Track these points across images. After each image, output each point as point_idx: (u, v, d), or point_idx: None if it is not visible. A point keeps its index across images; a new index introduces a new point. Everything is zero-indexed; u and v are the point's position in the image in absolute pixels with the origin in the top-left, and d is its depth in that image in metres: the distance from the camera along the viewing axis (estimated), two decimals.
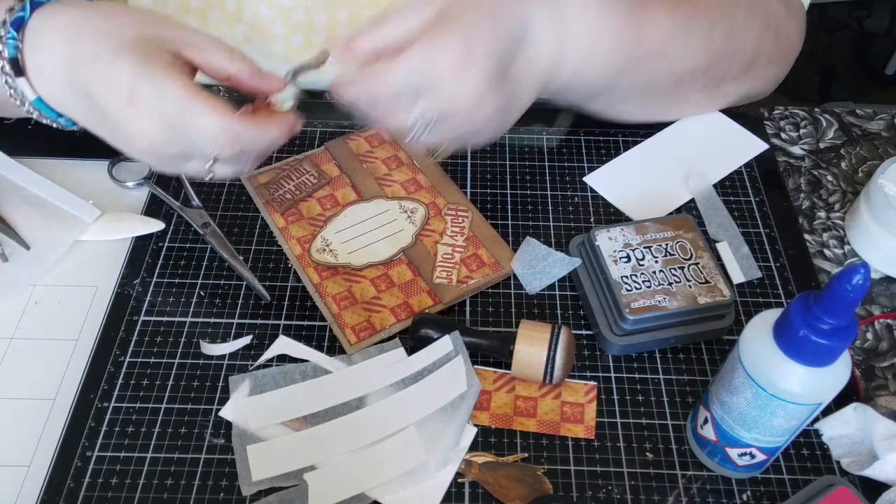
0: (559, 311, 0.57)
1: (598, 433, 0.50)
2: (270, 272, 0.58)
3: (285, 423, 0.50)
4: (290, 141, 0.67)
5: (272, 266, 0.59)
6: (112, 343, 0.54)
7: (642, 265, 0.54)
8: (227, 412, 0.50)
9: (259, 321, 0.55)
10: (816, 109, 0.73)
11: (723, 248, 0.60)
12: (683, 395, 0.52)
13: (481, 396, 0.52)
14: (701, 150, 0.68)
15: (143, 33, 0.47)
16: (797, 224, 0.63)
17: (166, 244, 0.60)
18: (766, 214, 0.63)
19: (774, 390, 0.41)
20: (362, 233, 0.60)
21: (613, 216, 0.63)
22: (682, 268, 0.54)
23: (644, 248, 0.55)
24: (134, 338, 0.54)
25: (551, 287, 0.58)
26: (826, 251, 0.62)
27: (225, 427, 0.50)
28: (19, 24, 0.49)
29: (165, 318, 0.55)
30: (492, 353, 0.53)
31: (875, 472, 0.48)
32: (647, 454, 0.50)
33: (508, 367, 0.51)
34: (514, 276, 0.58)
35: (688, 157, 0.67)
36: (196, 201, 0.62)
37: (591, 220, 0.63)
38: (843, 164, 0.68)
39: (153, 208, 0.62)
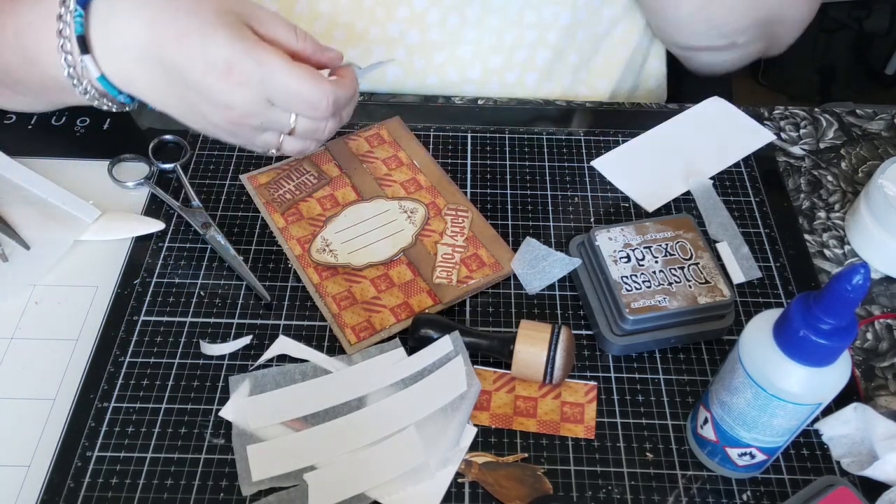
0: (559, 311, 0.57)
1: (598, 433, 0.50)
2: (270, 272, 0.58)
3: (285, 423, 0.50)
4: None
5: (272, 266, 0.59)
6: (112, 343, 0.54)
7: (642, 265, 0.54)
8: (227, 412, 0.50)
9: (259, 321, 0.55)
10: (816, 109, 0.73)
11: (723, 248, 0.60)
12: (683, 395, 0.52)
13: (481, 396, 0.52)
14: (708, 139, 0.68)
15: (223, 8, 0.49)
16: (797, 224, 0.63)
17: (166, 244, 0.60)
18: (766, 214, 0.63)
19: (774, 390, 0.41)
20: (362, 233, 0.60)
21: (614, 216, 0.63)
22: (682, 268, 0.54)
23: (644, 248, 0.55)
24: (134, 338, 0.54)
25: (551, 287, 0.58)
26: (826, 251, 0.62)
27: (225, 427, 0.50)
28: (85, 2, 0.51)
29: (165, 318, 0.55)
30: (492, 353, 0.53)
31: (875, 472, 0.48)
32: (647, 454, 0.50)
33: (508, 367, 0.51)
34: (514, 276, 0.58)
35: (694, 146, 0.68)
36: (196, 201, 0.62)
37: (592, 219, 0.63)
38: (843, 164, 0.68)
39: (153, 208, 0.62)
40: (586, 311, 0.56)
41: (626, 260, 0.54)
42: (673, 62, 0.81)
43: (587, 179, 0.65)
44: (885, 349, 0.56)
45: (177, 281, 0.58)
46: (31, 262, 0.58)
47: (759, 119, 0.71)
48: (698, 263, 0.55)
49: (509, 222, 0.62)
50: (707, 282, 0.53)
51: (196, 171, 0.65)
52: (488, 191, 0.64)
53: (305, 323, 0.55)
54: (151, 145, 0.66)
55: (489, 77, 0.72)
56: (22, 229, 0.59)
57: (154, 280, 0.57)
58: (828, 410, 0.51)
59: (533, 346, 0.50)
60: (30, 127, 0.68)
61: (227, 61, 0.48)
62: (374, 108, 0.71)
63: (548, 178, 0.65)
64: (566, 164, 0.67)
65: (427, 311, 0.55)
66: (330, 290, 0.56)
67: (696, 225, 0.57)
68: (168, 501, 0.47)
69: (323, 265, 0.58)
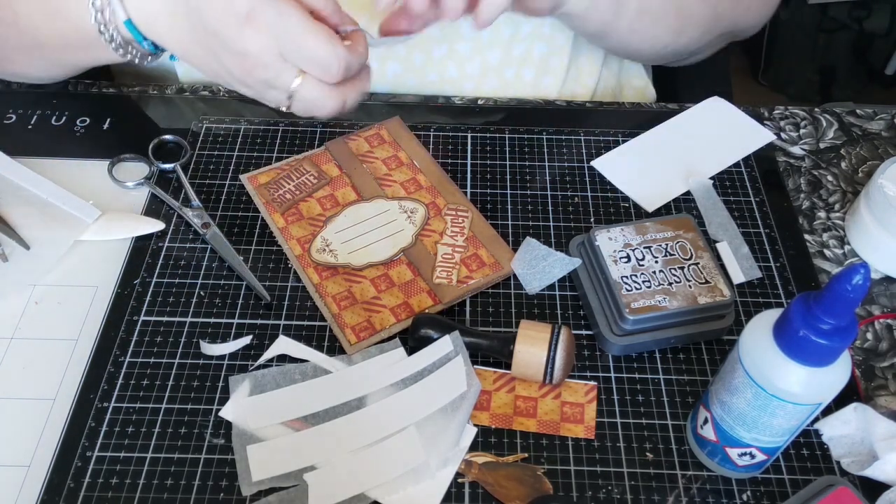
0: (559, 311, 0.57)
1: (598, 433, 0.50)
2: (270, 272, 0.58)
3: (285, 423, 0.50)
4: (290, 141, 0.67)
5: (272, 266, 0.59)
6: (112, 343, 0.54)
7: (642, 265, 0.54)
8: (227, 412, 0.50)
9: (259, 321, 0.55)
10: (816, 109, 0.73)
11: (723, 248, 0.60)
12: (683, 395, 0.52)
13: (481, 396, 0.52)
14: (708, 139, 0.69)
15: None
16: (797, 224, 0.63)
17: (166, 244, 0.60)
18: (766, 214, 0.63)
19: (774, 390, 0.41)
20: (362, 233, 0.60)
21: (614, 216, 0.63)
22: (682, 268, 0.54)
23: (644, 248, 0.55)
24: (134, 338, 0.54)
25: (551, 287, 0.58)
26: (826, 251, 0.62)
27: (225, 427, 0.50)
28: None
29: (165, 318, 0.55)
30: (492, 353, 0.53)
31: (875, 472, 0.48)
32: (647, 454, 0.50)
33: (508, 367, 0.51)
34: (514, 276, 0.58)
35: (694, 146, 0.68)
36: (196, 201, 0.62)
37: (592, 219, 0.63)
38: (843, 164, 0.68)
39: (153, 208, 0.62)
40: (586, 311, 0.56)
41: (626, 260, 0.54)
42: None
43: (587, 179, 0.65)
44: (885, 349, 0.56)
45: (177, 281, 0.58)
46: (31, 262, 0.58)
47: (759, 119, 0.71)
48: (698, 263, 0.55)
49: (509, 222, 0.62)
50: (707, 282, 0.53)
51: (196, 171, 0.65)
52: (488, 191, 0.64)
53: (305, 323, 0.55)
54: (151, 145, 0.66)
55: (487, 73, 0.72)
56: (22, 229, 0.59)
57: (154, 280, 0.57)
58: (828, 410, 0.51)
59: (533, 346, 0.50)
60: (30, 127, 0.68)
61: (248, 8, 0.48)
62: (374, 108, 0.71)
63: (548, 178, 0.65)
64: (566, 164, 0.67)
65: (427, 311, 0.55)
66: (330, 290, 0.56)
67: (696, 225, 0.57)
68: (168, 501, 0.47)
69: (323, 265, 0.58)
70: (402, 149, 0.66)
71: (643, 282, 0.53)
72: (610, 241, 0.55)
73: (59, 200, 0.61)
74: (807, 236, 0.62)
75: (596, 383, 0.53)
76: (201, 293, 0.57)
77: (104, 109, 0.70)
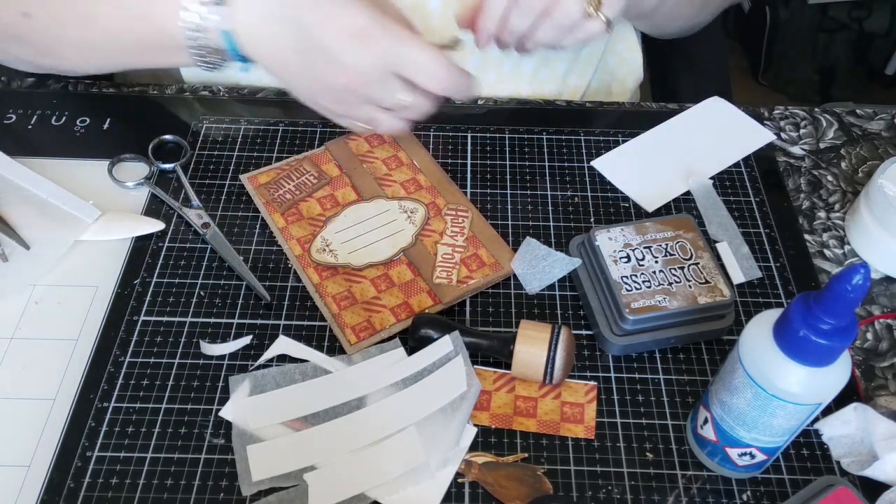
0: (559, 311, 0.57)
1: (598, 433, 0.50)
2: (270, 272, 0.58)
3: (285, 423, 0.50)
4: (290, 141, 0.67)
5: (272, 266, 0.59)
6: (112, 343, 0.54)
7: (642, 265, 0.54)
8: (227, 412, 0.50)
9: (259, 321, 0.55)
10: (816, 109, 0.73)
11: (723, 248, 0.60)
12: (683, 395, 0.52)
13: (481, 396, 0.52)
14: (708, 139, 0.69)
15: None
16: (797, 224, 0.63)
17: (166, 244, 0.60)
18: (766, 214, 0.63)
19: (774, 390, 0.41)
20: (362, 233, 0.60)
21: (614, 216, 0.63)
22: (682, 268, 0.54)
23: (644, 248, 0.55)
24: (134, 338, 0.54)
25: (551, 287, 0.58)
26: (826, 251, 0.62)
27: (225, 427, 0.50)
28: None
29: (165, 318, 0.55)
30: (492, 353, 0.53)
31: (875, 472, 0.48)
32: (647, 454, 0.50)
33: (508, 367, 0.51)
34: (514, 276, 0.58)
35: (694, 146, 0.68)
36: (196, 201, 0.62)
37: (592, 219, 0.63)
38: (843, 164, 0.68)
39: (153, 208, 0.62)
40: (586, 311, 0.56)
41: (626, 260, 0.54)
42: (672, 64, 0.82)
43: (587, 179, 0.65)
44: (885, 349, 0.56)
45: (177, 281, 0.58)
46: (31, 262, 0.58)
47: (759, 119, 0.71)
48: (698, 263, 0.55)
49: (509, 222, 0.62)
50: (707, 282, 0.53)
51: (196, 171, 0.65)
52: (488, 191, 0.64)
53: (305, 323, 0.55)
54: (151, 145, 0.66)
55: (487, 66, 0.72)
56: (22, 229, 0.59)
57: (154, 280, 0.57)
58: (828, 410, 0.51)
59: (533, 346, 0.50)
60: (30, 127, 0.68)
61: (359, 26, 0.51)
62: None
63: (548, 178, 0.65)
64: (566, 164, 0.67)
65: (427, 311, 0.55)
66: (330, 290, 0.56)
67: (696, 225, 0.57)
68: (168, 501, 0.47)
69: (323, 265, 0.58)
70: (402, 149, 0.66)
71: (643, 282, 0.53)
72: (610, 241, 0.55)
73: (59, 200, 0.61)
74: (807, 236, 0.62)
75: (596, 383, 0.53)
76: (201, 293, 0.57)
77: (104, 109, 0.70)
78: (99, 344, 0.54)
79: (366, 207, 0.62)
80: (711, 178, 0.65)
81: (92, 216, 0.60)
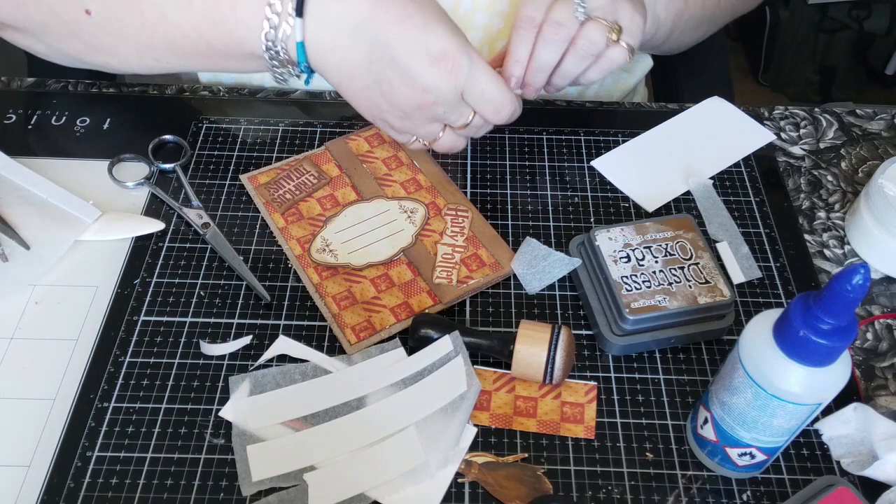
0: (559, 311, 0.57)
1: (598, 433, 0.50)
2: (270, 272, 0.58)
3: (285, 423, 0.50)
4: (290, 141, 0.67)
5: (272, 266, 0.59)
6: (112, 343, 0.54)
7: (642, 265, 0.54)
8: (227, 412, 0.50)
9: (259, 321, 0.55)
10: (816, 109, 0.73)
11: (723, 248, 0.60)
12: (683, 395, 0.52)
13: (481, 396, 0.52)
14: (708, 139, 0.69)
15: (439, 6, 0.54)
16: (797, 224, 0.63)
17: (166, 244, 0.60)
18: (766, 214, 0.63)
19: (774, 390, 0.41)
20: (362, 233, 0.60)
21: (614, 216, 0.63)
22: (682, 268, 0.54)
23: (644, 248, 0.55)
24: (134, 338, 0.54)
25: (551, 287, 0.58)
26: (826, 251, 0.62)
27: (225, 427, 0.50)
28: None
29: (165, 318, 0.55)
30: (492, 353, 0.53)
31: (875, 472, 0.48)
32: (647, 454, 0.50)
33: (508, 367, 0.51)
34: (514, 276, 0.58)
35: (694, 146, 0.68)
36: (196, 201, 0.62)
37: (592, 219, 0.63)
38: (843, 164, 0.68)
39: (153, 208, 0.62)
40: (586, 311, 0.56)
41: (626, 260, 0.54)
42: (672, 64, 0.81)
43: (587, 179, 0.65)
44: (885, 349, 0.56)
45: (177, 281, 0.58)
46: (31, 262, 0.58)
47: (759, 119, 0.71)
48: (698, 263, 0.55)
49: (509, 222, 0.62)
50: (707, 282, 0.53)
51: (196, 171, 0.65)
52: (488, 191, 0.64)
53: (305, 323, 0.55)
54: (151, 145, 0.66)
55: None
56: (22, 229, 0.59)
57: (154, 280, 0.57)
58: (828, 410, 0.51)
59: (533, 346, 0.50)
60: (30, 127, 0.68)
61: (442, 50, 0.52)
62: None
63: (548, 178, 0.65)
64: (566, 164, 0.67)
65: (427, 311, 0.55)
66: (330, 290, 0.56)
67: (696, 225, 0.57)
68: (168, 501, 0.47)
69: (323, 265, 0.58)
70: (402, 149, 0.66)
71: (643, 282, 0.53)
72: (610, 241, 0.55)
73: (59, 200, 0.61)
74: (807, 236, 0.62)
75: (596, 383, 0.53)
76: (201, 293, 0.57)
77: (104, 109, 0.70)
78: (99, 344, 0.54)
79: (366, 207, 0.62)
80: (711, 178, 0.65)
81: (92, 216, 0.60)
